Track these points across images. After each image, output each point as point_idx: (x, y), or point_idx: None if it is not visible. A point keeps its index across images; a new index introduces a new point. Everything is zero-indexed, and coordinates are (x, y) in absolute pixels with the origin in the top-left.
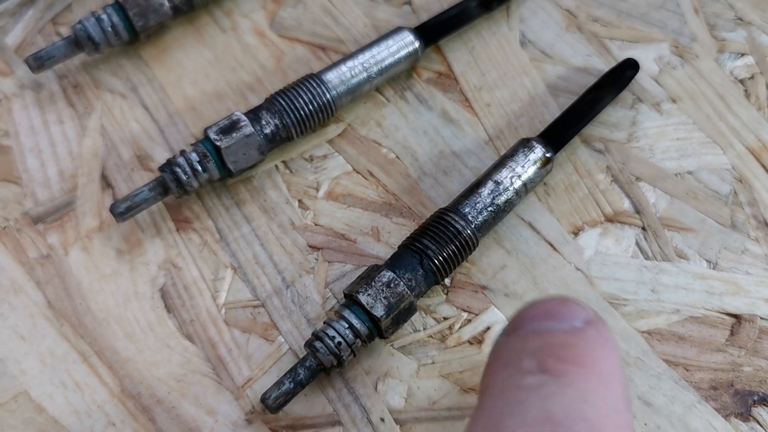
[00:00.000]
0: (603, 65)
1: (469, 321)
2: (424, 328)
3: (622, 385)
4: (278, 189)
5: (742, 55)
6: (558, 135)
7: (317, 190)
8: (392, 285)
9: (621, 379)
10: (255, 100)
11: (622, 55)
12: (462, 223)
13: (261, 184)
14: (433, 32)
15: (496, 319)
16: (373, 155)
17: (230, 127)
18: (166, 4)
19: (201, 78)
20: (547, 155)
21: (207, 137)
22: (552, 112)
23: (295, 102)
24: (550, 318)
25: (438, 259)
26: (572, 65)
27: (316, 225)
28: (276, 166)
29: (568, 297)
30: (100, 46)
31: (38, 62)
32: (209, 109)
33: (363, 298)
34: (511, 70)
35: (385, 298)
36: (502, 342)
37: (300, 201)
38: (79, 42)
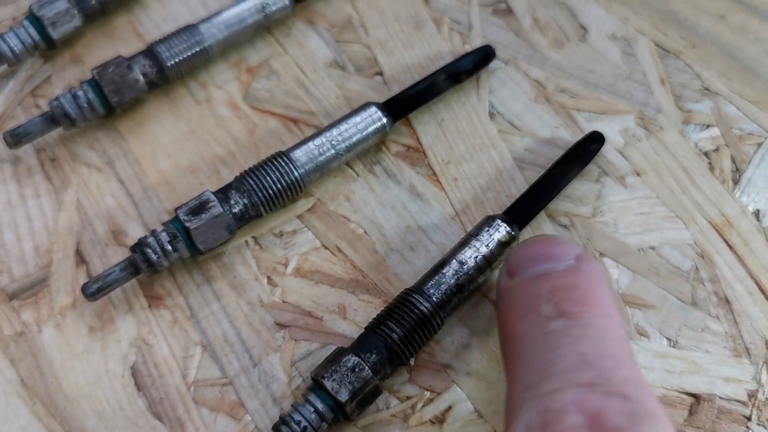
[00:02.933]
0: (570, 137)
1: (431, 400)
2: (387, 408)
3: (618, 312)
4: (248, 265)
5: (708, 126)
6: (523, 212)
7: (286, 266)
8: (357, 369)
9: (616, 307)
10: (227, 174)
11: (589, 127)
12: (426, 304)
13: (231, 261)
14: (401, 107)
15: (457, 398)
16: (342, 231)
17: (199, 207)
18: (141, 79)
19: (175, 151)
20: (512, 233)
21: (177, 217)
22: (519, 185)
23: (264, 181)
24: (548, 259)
25: (403, 342)
26: (540, 137)
27: (283, 302)
28: (246, 242)
29: (554, 236)
30: (76, 121)
31: (15, 139)
32: (183, 183)
33: (328, 383)
34: (479, 143)
35: (350, 382)
36: (509, 285)
37: (269, 278)
38: (55, 118)
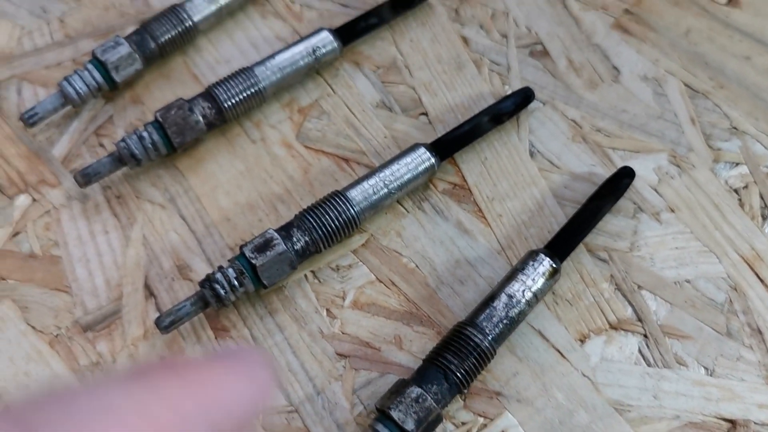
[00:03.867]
0: (606, 174)
1: (485, 426)
2: None
3: None
4: (308, 298)
5: (737, 164)
6: (563, 245)
7: (343, 299)
8: (420, 400)
9: None
10: (284, 211)
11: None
12: (480, 336)
13: (292, 294)
14: (447, 147)
15: (509, 423)
16: (395, 265)
17: (264, 245)
18: (201, 121)
19: (234, 189)
20: (554, 266)
21: (243, 254)
22: (559, 221)
23: (323, 219)
24: None
25: (460, 372)
26: (577, 175)
27: (343, 333)
28: (305, 276)
29: None
30: (141, 161)
31: (85, 178)
32: (242, 220)
33: (395, 414)
34: (521, 181)
35: (414, 412)
36: None
37: (328, 310)
38: (122, 158)
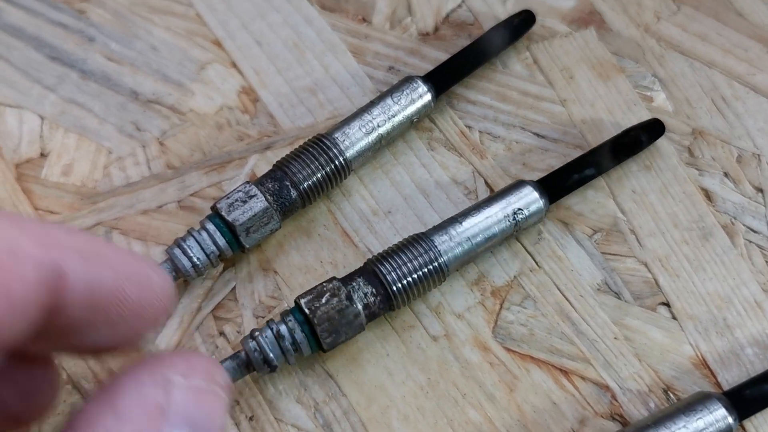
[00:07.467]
0: None
1: None
2: None
3: None
4: None
5: None
6: None
7: None
8: None
9: None
10: None
11: None
12: None
13: None
14: (751, 404)
15: None
16: None
17: None
18: (362, 313)
19: (413, 412)
20: None
21: None
22: None
23: None
24: None
25: None
26: None
27: None
28: None
29: None
30: (277, 368)
31: None
32: None
33: None
34: None
35: None
36: None
37: None
38: (251, 363)
